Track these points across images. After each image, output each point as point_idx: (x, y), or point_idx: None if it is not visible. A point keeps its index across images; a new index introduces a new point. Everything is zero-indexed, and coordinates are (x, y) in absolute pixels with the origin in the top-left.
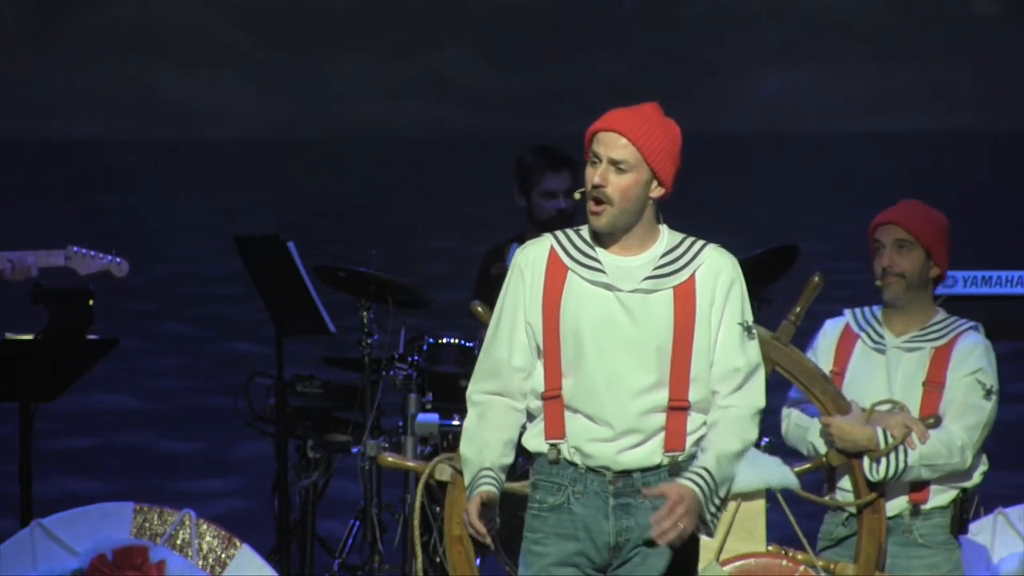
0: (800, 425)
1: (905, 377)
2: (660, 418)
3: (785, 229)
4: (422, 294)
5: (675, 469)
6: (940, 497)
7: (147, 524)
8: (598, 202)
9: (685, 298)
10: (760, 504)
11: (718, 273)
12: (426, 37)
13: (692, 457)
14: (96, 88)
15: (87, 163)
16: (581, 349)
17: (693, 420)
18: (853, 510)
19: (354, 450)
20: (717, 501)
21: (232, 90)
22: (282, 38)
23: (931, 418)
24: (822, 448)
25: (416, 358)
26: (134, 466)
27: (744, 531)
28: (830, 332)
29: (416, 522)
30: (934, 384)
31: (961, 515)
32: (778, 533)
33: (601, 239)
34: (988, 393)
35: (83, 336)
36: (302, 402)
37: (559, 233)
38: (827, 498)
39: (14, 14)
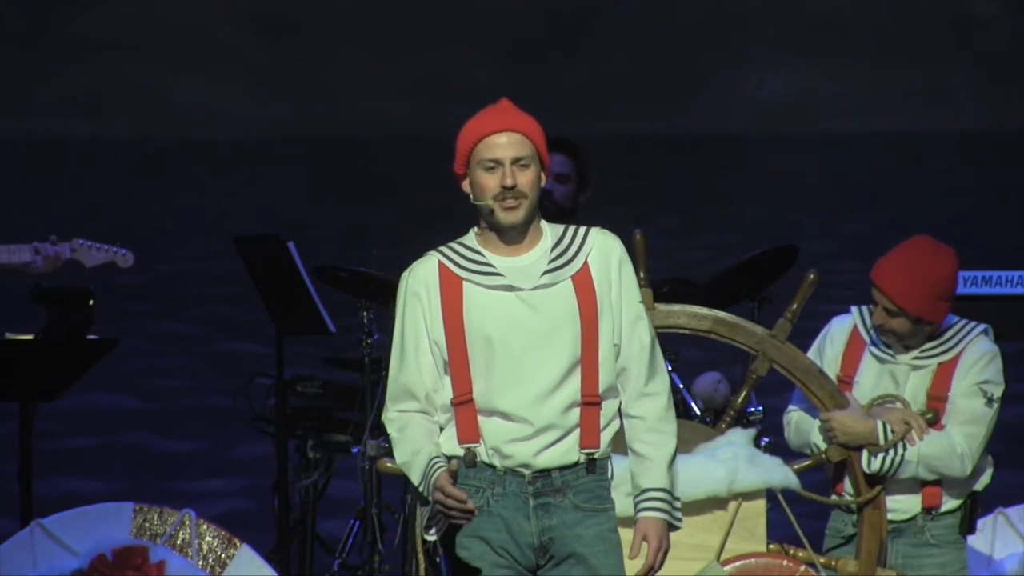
0: (802, 428)
1: (913, 388)
2: (575, 413)
3: (785, 229)
4: None
5: (592, 467)
6: (952, 502)
7: (147, 524)
8: (514, 199)
9: (584, 285)
10: (760, 504)
11: (608, 255)
12: (426, 37)
13: (607, 457)
14: (96, 88)
15: (87, 163)
16: (492, 354)
17: (604, 413)
18: (854, 507)
19: (354, 450)
20: (679, 505)
21: (232, 90)
22: (282, 38)
23: (929, 412)
24: (824, 448)
25: None
26: (134, 466)
27: (744, 531)
28: (838, 337)
29: (418, 529)
30: (937, 397)
31: (971, 516)
32: (778, 533)
33: (488, 244)
34: (990, 401)
35: (83, 336)
36: (302, 402)
37: (442, 248)
38: (832, 497)
39: (14, 14)
